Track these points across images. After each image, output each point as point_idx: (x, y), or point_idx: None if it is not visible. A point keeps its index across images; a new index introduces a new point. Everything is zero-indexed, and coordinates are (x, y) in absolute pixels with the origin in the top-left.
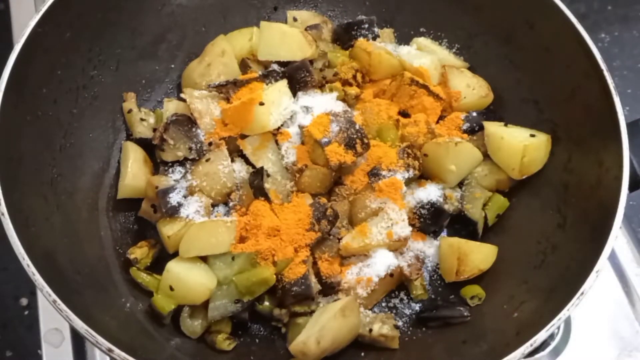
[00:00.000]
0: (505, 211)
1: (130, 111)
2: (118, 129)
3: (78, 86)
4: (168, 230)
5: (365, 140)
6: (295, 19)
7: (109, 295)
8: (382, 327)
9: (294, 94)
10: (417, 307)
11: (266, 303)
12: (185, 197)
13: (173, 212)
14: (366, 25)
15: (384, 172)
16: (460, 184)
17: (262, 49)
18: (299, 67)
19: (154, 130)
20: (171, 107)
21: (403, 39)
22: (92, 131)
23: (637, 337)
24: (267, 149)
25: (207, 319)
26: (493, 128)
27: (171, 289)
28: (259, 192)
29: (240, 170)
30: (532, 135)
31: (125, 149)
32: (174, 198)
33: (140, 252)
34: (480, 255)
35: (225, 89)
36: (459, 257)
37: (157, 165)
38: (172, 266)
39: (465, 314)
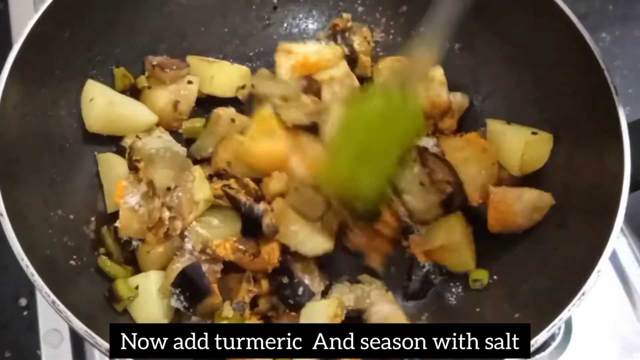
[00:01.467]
0: None
1: None
2: None
3: (78, 86)
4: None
5: None
6: None
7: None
8: None
9: None
10: None
11: None
12: None
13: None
14: None
15: None
16: None
17: None
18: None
19: None
20: None
21: (402, 38)
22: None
23: (639, 337)
24: None
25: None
26: (495, 125)
27: (137, 288)
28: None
29: None
30: (534, 133)
31: None
32: None
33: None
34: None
35: None
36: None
37: None
38: (153, 274)
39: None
